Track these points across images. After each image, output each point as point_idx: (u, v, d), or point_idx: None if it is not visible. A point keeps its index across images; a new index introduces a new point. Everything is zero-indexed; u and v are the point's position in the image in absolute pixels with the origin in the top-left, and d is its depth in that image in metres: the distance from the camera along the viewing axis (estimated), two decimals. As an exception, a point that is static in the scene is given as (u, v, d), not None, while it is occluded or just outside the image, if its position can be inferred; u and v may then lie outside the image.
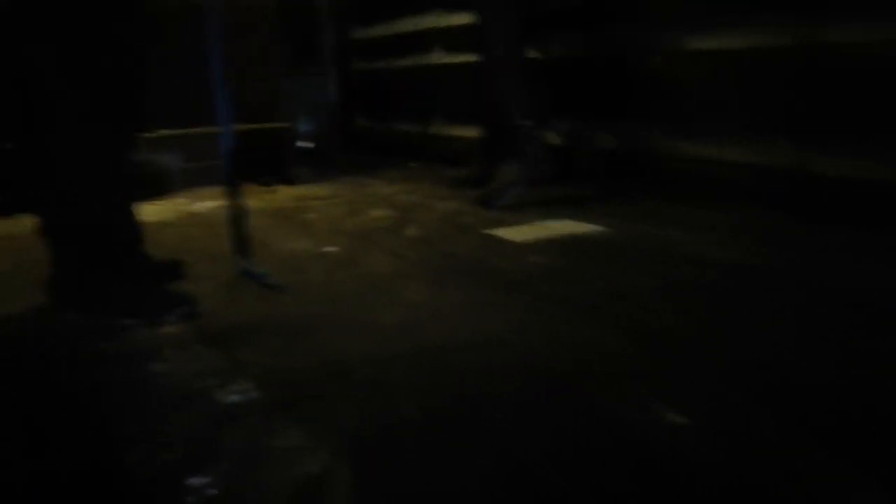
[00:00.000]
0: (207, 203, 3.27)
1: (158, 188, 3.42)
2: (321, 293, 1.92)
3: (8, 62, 1.72)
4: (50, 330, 1.76)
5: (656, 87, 2.97)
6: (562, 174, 3.05)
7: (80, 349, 1.62)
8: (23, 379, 1.51)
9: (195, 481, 1.08)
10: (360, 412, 1.26)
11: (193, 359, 1.55)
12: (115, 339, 1.68)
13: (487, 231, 2.48)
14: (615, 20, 3.11)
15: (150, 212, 3.07)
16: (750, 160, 2.63)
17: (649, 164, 2.99)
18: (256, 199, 3.34)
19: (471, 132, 3.99)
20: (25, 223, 2.40)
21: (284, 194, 3.47)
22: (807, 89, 2.45)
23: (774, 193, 2.54)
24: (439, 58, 4.34)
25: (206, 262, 2.29)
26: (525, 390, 1.31)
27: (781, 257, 2.03)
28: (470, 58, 3.87)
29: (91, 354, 1.59)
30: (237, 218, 2.16)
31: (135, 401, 1.38)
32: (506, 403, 1.26)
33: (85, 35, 1.69)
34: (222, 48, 2.14)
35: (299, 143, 4.33)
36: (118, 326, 1.73)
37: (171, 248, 2.45)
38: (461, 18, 4.04)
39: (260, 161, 3.67)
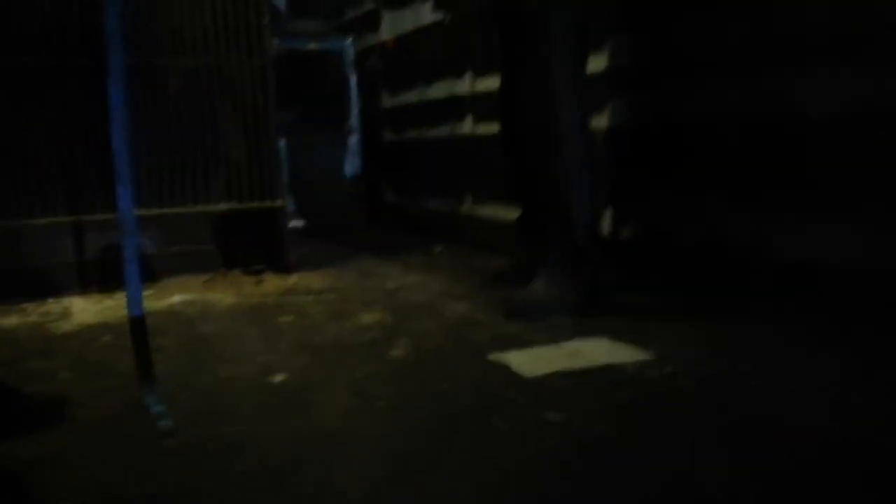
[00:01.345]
0: (176, 297, 2.72)
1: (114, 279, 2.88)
2: (224, 468, 1.31)
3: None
4: None
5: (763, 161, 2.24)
6: (622, 272, 2.38)
7: None
8: None
9: None
10: None
11: None
12: None
13: (496, 356, 1.85)
14: (699, 74, 2.42)
15: (95, 311, 2.53)
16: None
17: (745, 264, 2.28)
18: (234, 293, 2.78)
19: (506, 214, 3.40)
20: None
21: (272, 285, 2.91)
22: None
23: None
24: (471, 127, 3.78)
25: (113, 392, 1.71)
26: None
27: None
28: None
29: None
30: (137, 335, 1.59)
31: None
32: None
33: None
34: (123, 108, 1.60)
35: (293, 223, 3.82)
36: None
37: (85, 368, 1.90)
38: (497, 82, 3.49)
39: (249, 244, 3.13)
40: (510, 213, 3.32)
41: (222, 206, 3.05)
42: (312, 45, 4.63)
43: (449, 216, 4.02)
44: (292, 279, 3.01)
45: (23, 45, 2.72)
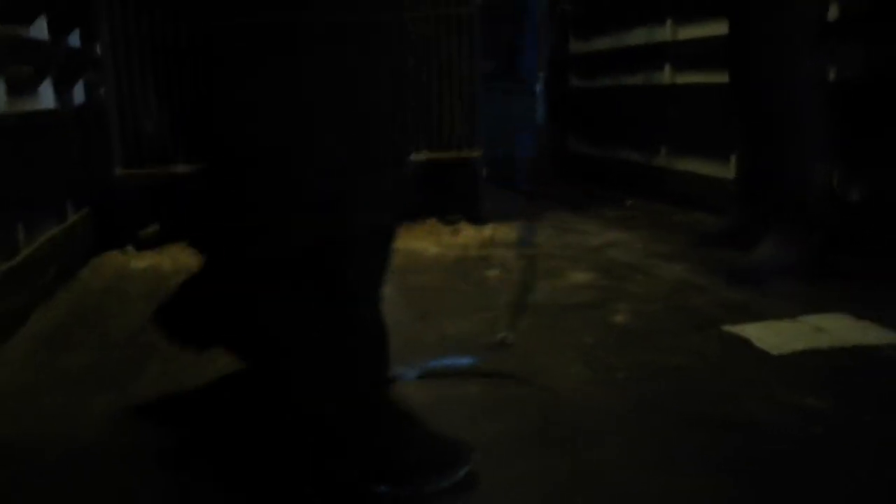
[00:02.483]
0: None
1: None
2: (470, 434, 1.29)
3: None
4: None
5: None
6: (848, 236, 2.20)
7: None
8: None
9: None
10: None
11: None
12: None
13: (730, 328, 1.74)
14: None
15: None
16: None
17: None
18: (434, 242, 2.79)
19: (706, 168, 3.23)
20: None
21: (468, 236, 2.90)
22: None
23: None
24: (670, 77, 3.59)
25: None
26: None
27: None
28: (711, 78, 3.15)
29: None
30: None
31: None
32: None
33: None
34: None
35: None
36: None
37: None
38: (703, 29, 3.28)
39: (445, 193, 3.12)
40: (710, 168, 3.16)
41: (423, 156, 3.06)
42: (501, -8, 4.53)
43: (640, 168, 3.87)
44: (487, 230, 2.99)
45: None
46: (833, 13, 2.48)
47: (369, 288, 1.09)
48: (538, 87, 4.54)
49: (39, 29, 2.46)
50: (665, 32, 3.60)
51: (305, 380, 1.04)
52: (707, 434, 1.26)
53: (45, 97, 2.48)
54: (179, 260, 2.63)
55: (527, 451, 1.22)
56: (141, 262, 2.63)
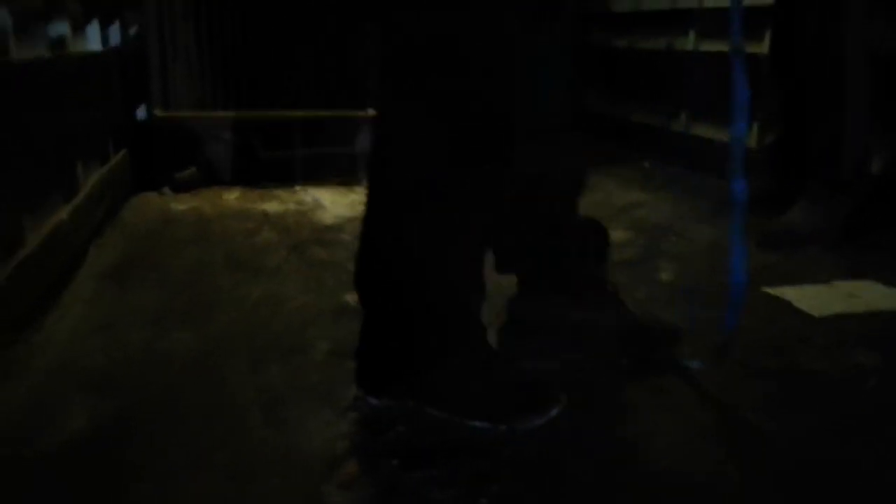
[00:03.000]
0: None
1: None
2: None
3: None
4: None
5: None
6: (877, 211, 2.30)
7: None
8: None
9: None
10: None
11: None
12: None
13: (770, 289, 1.84)
14: None
15: (344, 203, 2.66)
16: None
17: None
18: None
19: (726, 135, 3.30)
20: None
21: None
22: None
23: None
24: (694, 43, 3.65)
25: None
26: None
27: None
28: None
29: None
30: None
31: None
32: None
33: None
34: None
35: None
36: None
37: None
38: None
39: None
40: (726, 135, 3.23)
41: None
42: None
43: (658, 130, 3.93)
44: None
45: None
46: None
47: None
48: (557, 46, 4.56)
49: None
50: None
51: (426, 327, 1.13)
52: (774, 383, 1.36)
53: (93, 38, 2.51)
54: (219, 204, 2.69)
55: (602, 397, 1.31)
56: (181, 204, 2.69)
